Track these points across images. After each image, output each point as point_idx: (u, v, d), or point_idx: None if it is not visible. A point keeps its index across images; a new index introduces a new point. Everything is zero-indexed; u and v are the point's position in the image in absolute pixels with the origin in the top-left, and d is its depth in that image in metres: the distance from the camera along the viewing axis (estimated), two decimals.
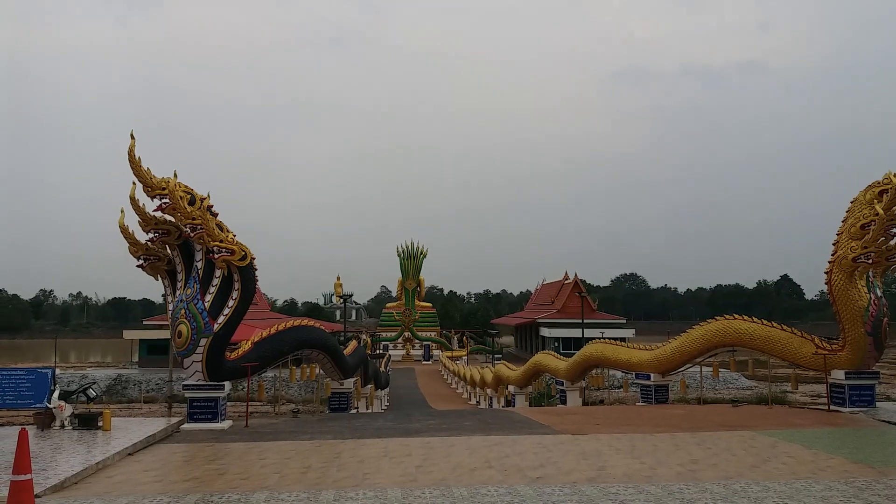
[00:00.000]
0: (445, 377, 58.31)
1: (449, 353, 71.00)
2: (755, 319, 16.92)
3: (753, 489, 8.35)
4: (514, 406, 28.61)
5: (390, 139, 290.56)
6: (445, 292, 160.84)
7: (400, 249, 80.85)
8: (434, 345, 78.19)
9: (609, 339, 23.40)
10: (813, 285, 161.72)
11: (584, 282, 77.30)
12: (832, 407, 15.77)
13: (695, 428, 13.51)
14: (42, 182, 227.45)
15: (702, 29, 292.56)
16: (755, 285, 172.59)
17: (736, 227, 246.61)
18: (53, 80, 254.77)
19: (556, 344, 67.30)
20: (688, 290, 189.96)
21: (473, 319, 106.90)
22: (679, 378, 20.10)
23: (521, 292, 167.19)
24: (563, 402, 23.61)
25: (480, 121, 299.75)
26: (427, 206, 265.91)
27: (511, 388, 29.97)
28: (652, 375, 19.11)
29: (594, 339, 23.51)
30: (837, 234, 15.54)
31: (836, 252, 15.30)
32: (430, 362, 74.85)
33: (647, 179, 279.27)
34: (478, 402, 39.41)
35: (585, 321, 57.62)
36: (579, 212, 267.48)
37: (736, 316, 17.30)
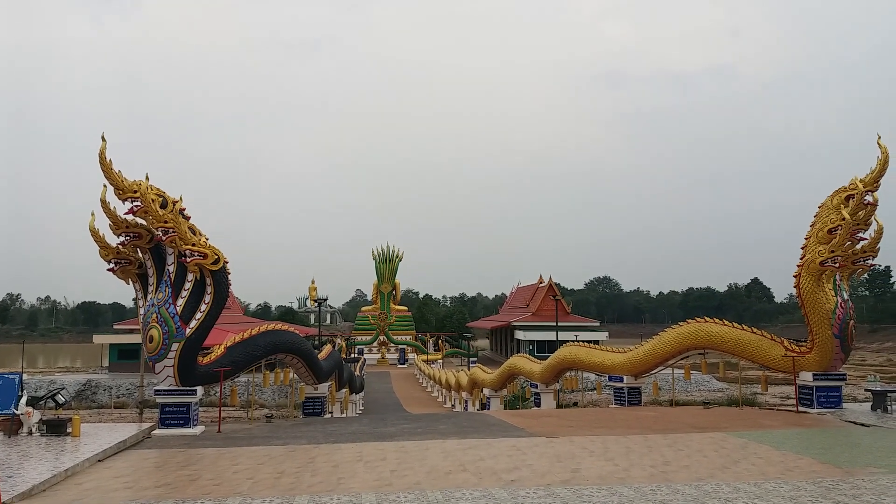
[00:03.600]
0: (421, 381, 58.24)
1: (424, 357, 70.94)
2: (726, 322, 17.19)
3: (724, 490, 8.48)
4: (489, 409, 28.67)
5: (367, 144, 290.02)
6: (421, 296, 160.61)
7: (375, 253, 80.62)
8: (409, 348, 78.03)
9: (583, 341, 23.59)
10: (783, 289, 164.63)
11: (558, 285, 77.79)
12: (800, 408, 16.07)
13: (667, 430, 13.68)
14: (9, 182, 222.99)
15: (675, 33, 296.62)
16: (726, 288, 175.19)
17: (708, 231, 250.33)
18: (28, 76, 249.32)
19: (531, 347, 67.63)
20: (660, 293, 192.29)
21: (449, 323, 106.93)
22: (651, 380, 20.32)
23: (496, 295, 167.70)
24: (538, 404, 23.72)
25: (455, 126, 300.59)
26: (403, 210, 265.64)
27: (486, 391, 30.04)
28: (625, 378, 19.30)
29: (568, 341, 23.68)
30: (806, 239, 15.87)
31: (804, 256, 15.61)
32: (405, 366, 74.66)
33: (620, 184, 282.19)
34: (453, 406, 39.43)
35: (560, 324, 58.03)
36: (553, 215, 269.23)
37: (707, 319, 17.56)
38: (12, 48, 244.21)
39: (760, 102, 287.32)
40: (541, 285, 76.91)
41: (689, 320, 17.93)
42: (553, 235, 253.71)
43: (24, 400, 13.53)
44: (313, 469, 10.19)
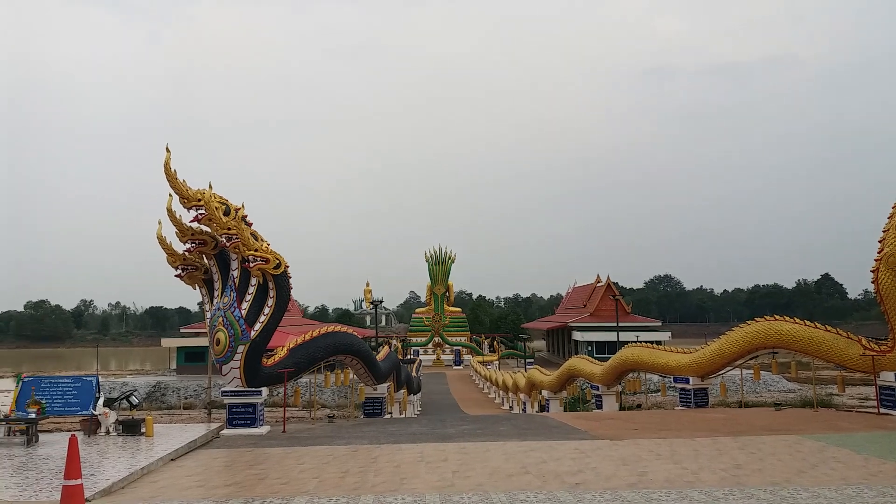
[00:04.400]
0: (477, 382, 58.16)
1: (480, 358, 70.80)
2: (797, 320, 16.56)
3: (802, 495, 8.15)
4: (548, 411, 28.40)
5: (418, 145, 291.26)
6: (474, 297, 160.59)
7: (428, 255, 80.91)
8: (465, 350, 78.03)
9: (644, 342, 23.10)
10: (856, 284, 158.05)
11: (616, 284, 76.50)
12: (882, 410, 15.34)
13: (737, 432, 13.26)
14: (80, 195, 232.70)
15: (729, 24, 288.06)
16: (794, 285, 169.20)
17: (774, 225, 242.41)
18: (87, 93, 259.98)
19: (590, 348, 66.76)
20: (724, 291, 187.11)
21: (503, 324, 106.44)
22: (719, 381, 19.75)
23: (551, 296, 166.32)
24: (599, 406, 23.36)
25: (505, 125, 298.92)
26: (455, 210, 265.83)
27: (545, 393, 29.77)
28: (691, 379, 18.82)
29: (629, 342, 23.24)
30: (884, 231, 15.10)
31: (882, 249, 14.89)
32: (460, 367, 74.70)
33: (679, 178, 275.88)
34: (511, 408, 39.23)
35: (620, 324, 57.07)
36: (610, 213, 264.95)
37: (777, 317, 16.95)
38: (72, 64, 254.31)
39: (826, 92, 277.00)
40: (598, 285, 75.81)
41: (758, 319, 17.34)
42: (609, 234, 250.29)
43: (101, 401, 14.10)
44: (376, 469, 10.27)
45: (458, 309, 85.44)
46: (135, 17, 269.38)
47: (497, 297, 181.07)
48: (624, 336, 55.28)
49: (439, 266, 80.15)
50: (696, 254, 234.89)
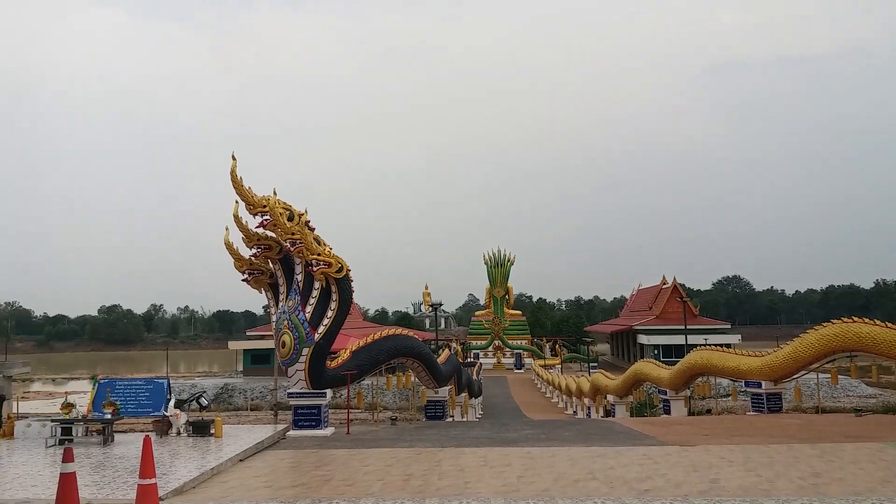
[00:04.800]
0: (539, 386, 57.61)
1: (542, 362, 70.12)
2: (878, 322, 15.73)
3: None
4: (613, 416, 27.88)
5: (474, 147, 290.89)
6: (535, 299, 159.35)
7: (487, 257, 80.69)
8: (525, 353, 77.45)
9: (713, 345, 22.39)
10: None
11: (682, 286, 74.67)
12: None
13: (814, 439, 12.68)
14: (149, 204, 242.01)
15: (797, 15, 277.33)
16: (873, 285, 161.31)
17: (848, 222, 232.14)
18: (156, 104, 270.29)
19: (656, 351, 65.34)
20: (797, 291, 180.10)
21: (565, 327, 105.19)
22: (793, 385, 18.96)
23: (614, 298, 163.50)
24: (667, 412, 22.77)
25: (564, 126, 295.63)
26: (514, 213, 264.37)
27: (610, 397, 29.22)
28: (763, 383, 18.13)
29: (697, 345, 22.57)
30: None
31: None
32: (522, 371, 74.17)
33: (745, 177, 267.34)
34: (574, 412, 38.69)
35: (687, 327, 55.61)
36: (675, 212, 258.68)
37: (855, 318, 16.15)
38: (142, 78, 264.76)
39: None
40: (664, 286, 74.12)
41: (834, 321, 16.56)
42: (674, 234, 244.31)
43: (172, 403, 14.56)
44: (440, 472, 10.24)
45: (519, 312, 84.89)
46: (200, 30, 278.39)
47: (558, 300, 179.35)
48: (691, 339, 53.81)
49: (498, 268, 79.82)
50: (767, 253, 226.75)
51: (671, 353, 61.92)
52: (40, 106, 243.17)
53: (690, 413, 24.09)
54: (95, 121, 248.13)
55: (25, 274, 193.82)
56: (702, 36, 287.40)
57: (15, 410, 16.07)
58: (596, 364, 62.87)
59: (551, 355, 77.90)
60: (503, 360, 77.56)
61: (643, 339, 68.53)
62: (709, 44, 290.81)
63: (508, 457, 11.52)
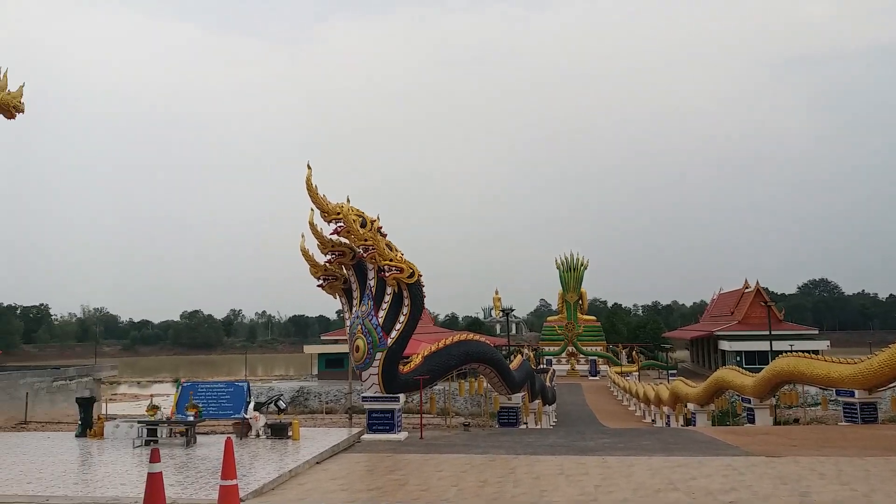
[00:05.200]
0: (615, 393, 56.40)
1: (618, 369, 68.62)
2: None
3: None
4: (694, 425, 26.94)
5: (546, 148, 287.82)
6: (609, 304, 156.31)
7: (559, 261, 79.62)
8: (601, 360, 75.98)
9: (800, 351, 21.31)
10: None
11: (766, 290, 71.61)
12: None
13: None
14: (226, 213, 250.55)
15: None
16: None
17: None
18: (234, 117, 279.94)
19: (738, 358, 62.96)
20: (890, 295, 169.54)
21: (642, 333, 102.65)
22: (889, 395, 17.83)
23: (694, 303, 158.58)
24: (751, 421, 21.82)
25: (636, 123, 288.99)
26: (588, 216, 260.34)
27: (690, 406, 28.27)
28: (856, 392, 17.12)
29: (782, 352, 21.55)
30: None
31: None
32: (597, 378, 72.74)
33: (833, 175, 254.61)
34: (653, 421, 37.65)
35: (772, 333, 53.30)
36: (757, 213, 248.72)
37: None
38: (217, 92, 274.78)
39: None
40: (747, 290, 71.33)
41: None
42: (755, 236, 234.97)
43: (251, 405, 14.97)
44: (515, 480, 10.11)
45: (593, 317, 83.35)
46: (273, 43, 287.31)
47: (634, 305, 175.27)
48: (776, 345, 51.56)
49: (571, 273, 78.67)
50: (857, 256, 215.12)
51: (754, 360, 59.55)
52: (122, 121, 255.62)
53: (776, 422, 23.03)
54: (172, 134, 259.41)
55: (112, 282, 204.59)
56: (790, 25, 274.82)
57: (103, 412, 16.90)
58: (675, 371, 61.04)
59: (628, 362, 76.17)
60: (577, 367, 76.28)
61: (725, 345, 66.13)
62: (796, 34, 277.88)
63: (585, 465, 11.27)
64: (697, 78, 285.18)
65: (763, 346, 56.95)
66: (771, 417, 22.26)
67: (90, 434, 15.02)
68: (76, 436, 15.17)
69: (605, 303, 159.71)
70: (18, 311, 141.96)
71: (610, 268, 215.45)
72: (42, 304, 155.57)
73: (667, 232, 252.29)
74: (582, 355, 76.61)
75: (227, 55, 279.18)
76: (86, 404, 15.64)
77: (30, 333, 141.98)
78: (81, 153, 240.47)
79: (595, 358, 75.83)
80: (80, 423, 15.46)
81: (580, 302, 78.91)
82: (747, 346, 64.27)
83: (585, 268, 79.35)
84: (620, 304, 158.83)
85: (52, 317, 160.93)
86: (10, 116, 23.46)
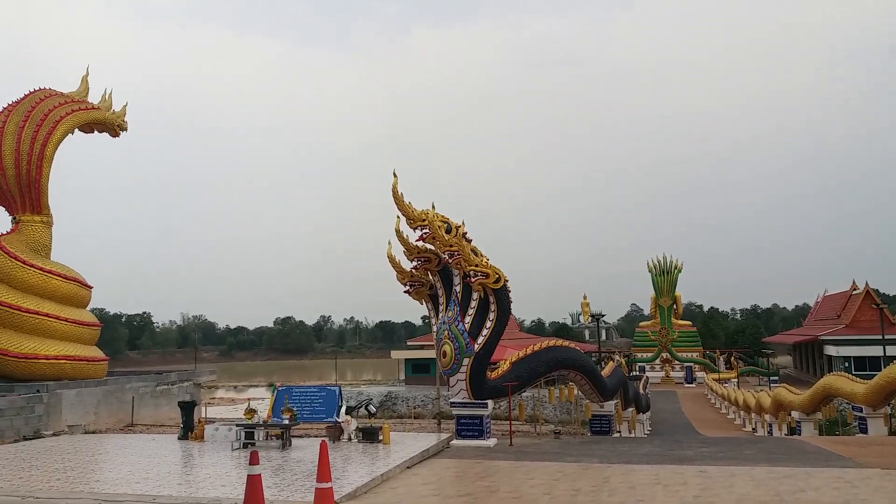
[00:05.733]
0: (713, 401, 54.14)
1: (716, 375, 65.91)
2: None
3: None
4: (799, 434, 25.46)
5: (632, 149, 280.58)
6: (705, 309, 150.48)
7: (651, 265, 77.27)
8: (697, 366, 73.21)
9: None
10: None
11: (877, 291, 67.04)
12: None
13: None
14: (315, 223, 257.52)
15: None
16: None
17: None
18: (319, 128, 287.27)
19: (846, 364, 59.22)
20: None
21: (741, 338, 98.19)
22: None
23: (796, 306, 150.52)
24: (864, 430, 20.39)
25: (726, 121, 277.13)
26: (679, 215, 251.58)
27: (795, 414, 26.74)
28: None
29: None
30: None
31: None
32: (693, 385, 70.09)
33: None
34: (754, 430, 35.89)
35: (885, 337, 49.81)
36: (862, 210, 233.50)
37: None
38: (304, 104, 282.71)
39: None
40: (855, 292, 67.00)
41: None
42: (864, 234, 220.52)
43: (343, 409, 15.27)
44: (609, 489, 9.82)
45: (688, 322, 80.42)
46: (356, 54, 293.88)
47: (732, 309, 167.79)
48: (890, 350, 48.11)
49: (664, 276, 76.22)
50: None
51: (864, 366, 55.83)
52: (213, 134, 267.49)
53: (891, 432, 21.43)
54: (255, 147, 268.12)
55: (210, 290, 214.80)
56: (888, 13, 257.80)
57: (203, 415, 17.67)
58: (777, 378, 58.01)
59: (726, 368, 73.03)
60: (672, 374, 73.86)
61: (831, 350, 62.32)
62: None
63: (683, 475, 10.84)
64: (797, 71, 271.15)
65: (874, 351, 53.43)
66: (886, 427, 20.75)
67: (191, 436, 15.72)
68: (179, 438, 15.91)
69: (700, 307, 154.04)
70: (123, 320, 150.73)
71: (705, 270, 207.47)
72: (145, 313, 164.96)
73: (766, 232, 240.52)
74: (677, 362, 74.11)
75: (311, 68, 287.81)
76: (188, 408, 16.39)
77: (134, 340, 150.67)
78: (181, 168, 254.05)
79: (691, 364, 73.17)
80: (182, 425, 16.21)
81: (674, 306, 76.36)
82: (856, 351, 60.37)
83: (679, 271, 76.73)
84: (717, 308, 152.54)
85: (155, 324, 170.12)
86: (115, 135, 25.21)
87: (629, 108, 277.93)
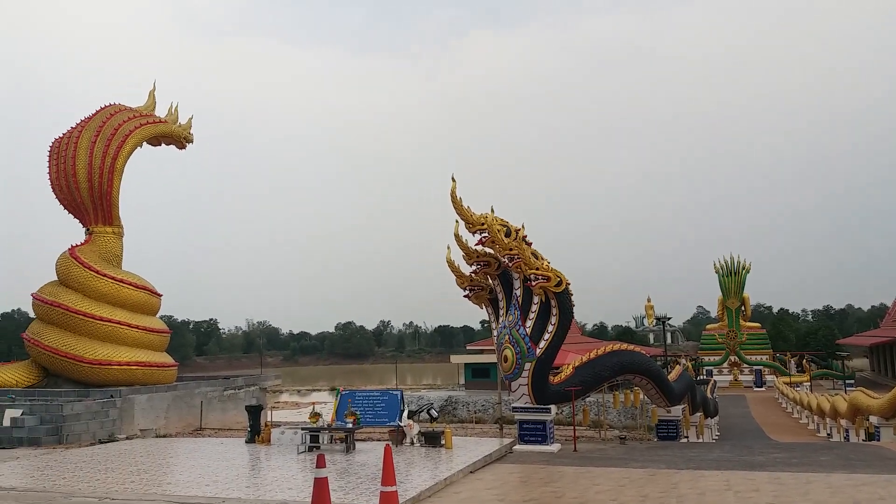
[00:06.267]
0: (784, 406, 52.21)
1: (787, 379, 63.57)
2: None
3: None
4: (878, 440, 24.28)
5: (697, 146, 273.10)
6: (775, 310, 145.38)
7: (718, 265, 75.10)
8: (766, 369, 70.76)
9: None
10: None
11: None
12: None
13: None
14: (372, 229, 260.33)
15: None
16: None
17: None
18: (375, 132, 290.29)
19: None
20: None
21: (813, 340, 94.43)
22: None
23: (872, 307, 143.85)
24: None
25: (806, 112, 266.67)
26: (747, 215, 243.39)
27: (873, 419, 25.50)
28: None
29: None
30: None
31: None
32: (762, 389, 67.76)
33: None
34: (829, 435, 34.39)
35: None
36: None
37: None
38: (361, 112, 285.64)
39: None
40: None
41: None
42: None
43: (405, 413, 15.35)
44: (678, 495, 9.56)
45: (757, 324, 77.77)
46: (414, 61, 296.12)
47: (803, 311, 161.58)
48: None
49: (731, 277, 73.94)
50: None
51: None
52: (270, 144, 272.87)
53: None
54: (314, 154, 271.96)
55: (273, 297, 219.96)
56: None
57: (269, 419, 18.04)
58: (852, 381, 55.54)
59: (797, 371, 70.36)
60: (741, 378, 71.62)
61: None
62: None
63: (755, 482, 10.48)
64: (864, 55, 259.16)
65: None
66: None
67: (258, 440, 16.09)
68: (246, 442, 16.30)
69: (769, 308, 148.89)
70: (191, 326, 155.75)
71: (775, 271, 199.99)
72: (211, 319, 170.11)
73: (839, 230, 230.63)
74: (746, 365, 71.86)
75: (367, 76, 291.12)
76: (254, 412, 16.79)
77: (201, 346, 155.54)
78: (244, 178, 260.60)
79: (760, 368, 70.82)
80: (249, 429, 16.61)
81: (742, 308, 74.05)
82: None
83: (748, 271, 74.36)
84: (787, 310, 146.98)
85: (221, 330, 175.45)
86: (182, 147, 26.14)
87: (691, 102, 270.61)
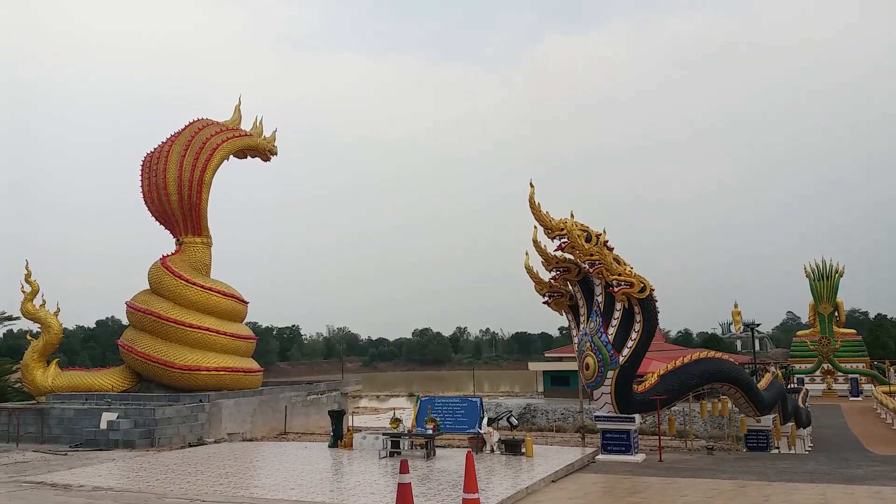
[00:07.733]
0: (883, 416, 49.17)
1: (885, 388, 59.87)
2: None
3: None
4: None
5: (784, 145, 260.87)
6: (871, 316, 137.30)
7: (808, 269, 71.59)
8: (863, 378, 66.87)
9: None
10: None
11: None
12: None
13: None
14: (448, 236, 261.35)
15: None
16: None
17: None
18: (452, 141, 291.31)
19: None
20: None
21: None
22: None
23: None
24: None
25: (888, 105, 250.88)
26: (841, 216, 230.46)
27: None
28: None
29: None
30: None
31: None
32: (859, 398, 64.04)
33: None
34: None
35: None
36: None
37: None
38: (435, 121, 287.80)
39: None
40: None
41: None
42: None
43: (485, 421, 15.31)
44: None
45: (853, 330, 73.59)
46: (490, 67, 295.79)
47: None
48: None
49: (823, 282, 70.31)
50: None
51: None
52: (347, 152, 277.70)
53: None
54: (390, 165, 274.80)
55: (353, 303, 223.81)
56: None
57: (350, 424, 18.35)
58: None
59: None
60: (835, 387, 67.97)
61: None
62: None
63: (853, 496, 9.95)
64: None
65: None
66: None
67: (341, 444, 16.39)
68: (329, 446, 16.63)
69: (865, 314, 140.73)
70: (275, 332, 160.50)
71: (871, 274, 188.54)
72: (294, 326, 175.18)
73: None
74: (840, 373, 68.17)
75: (444, 84, 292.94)
76: (337, 417, 17.11)
77: (284, 352, 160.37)
78: (325, 187, 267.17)
79: (856, 376, 67.00)
80: (331, 434, 16.93)
81: (835, 313, 70.27)
82: None
83: (841, 275, 70.55)
84: (885, 315, 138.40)
85: (303, 336, 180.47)
86: (266, 159, 27.08)
87: (778, 98, 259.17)
